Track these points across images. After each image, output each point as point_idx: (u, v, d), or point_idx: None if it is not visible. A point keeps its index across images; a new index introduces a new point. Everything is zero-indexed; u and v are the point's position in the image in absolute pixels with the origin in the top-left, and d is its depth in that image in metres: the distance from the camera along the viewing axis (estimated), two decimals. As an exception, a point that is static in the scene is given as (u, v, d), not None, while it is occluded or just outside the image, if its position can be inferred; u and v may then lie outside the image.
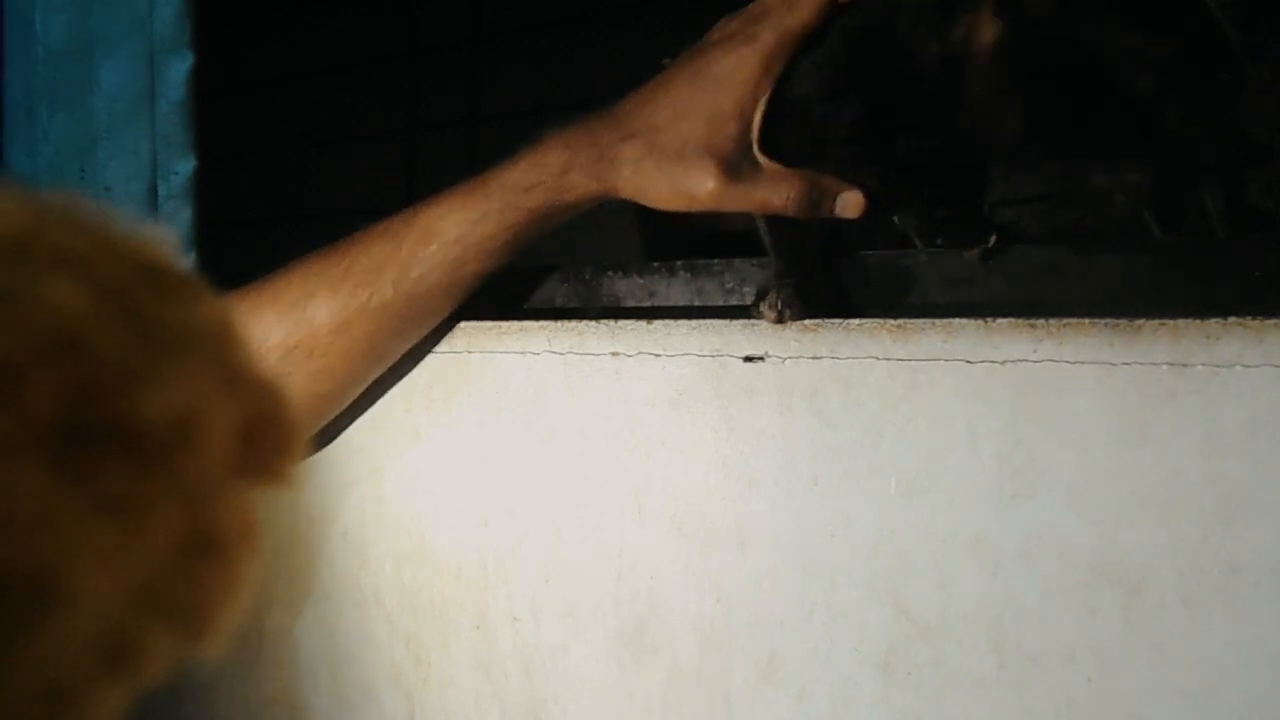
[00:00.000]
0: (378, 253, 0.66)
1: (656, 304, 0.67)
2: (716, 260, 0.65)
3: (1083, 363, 0.50)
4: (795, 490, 0.57)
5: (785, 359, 0.58)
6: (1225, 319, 0.47)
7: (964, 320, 0.53)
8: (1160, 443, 0.48)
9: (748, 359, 0.59)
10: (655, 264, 0.67)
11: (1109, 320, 0.49)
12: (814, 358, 0.57)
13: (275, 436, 0.22)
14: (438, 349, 0.72)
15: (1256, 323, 0.46)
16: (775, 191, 0.59)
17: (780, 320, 0.57)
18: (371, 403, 0.75)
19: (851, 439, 0.56)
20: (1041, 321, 0.51)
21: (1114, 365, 0.49)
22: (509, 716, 0.68)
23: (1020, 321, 0.52)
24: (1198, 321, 0.47)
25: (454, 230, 0.64)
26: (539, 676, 0.67)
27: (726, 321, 0.61)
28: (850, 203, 0.59)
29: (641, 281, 0.67)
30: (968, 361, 0.53)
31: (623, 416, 0.64)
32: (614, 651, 0.64)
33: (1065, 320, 0.50)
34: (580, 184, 0.62)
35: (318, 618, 0.79)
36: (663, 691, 0.62)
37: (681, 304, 0.66)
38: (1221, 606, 0.46)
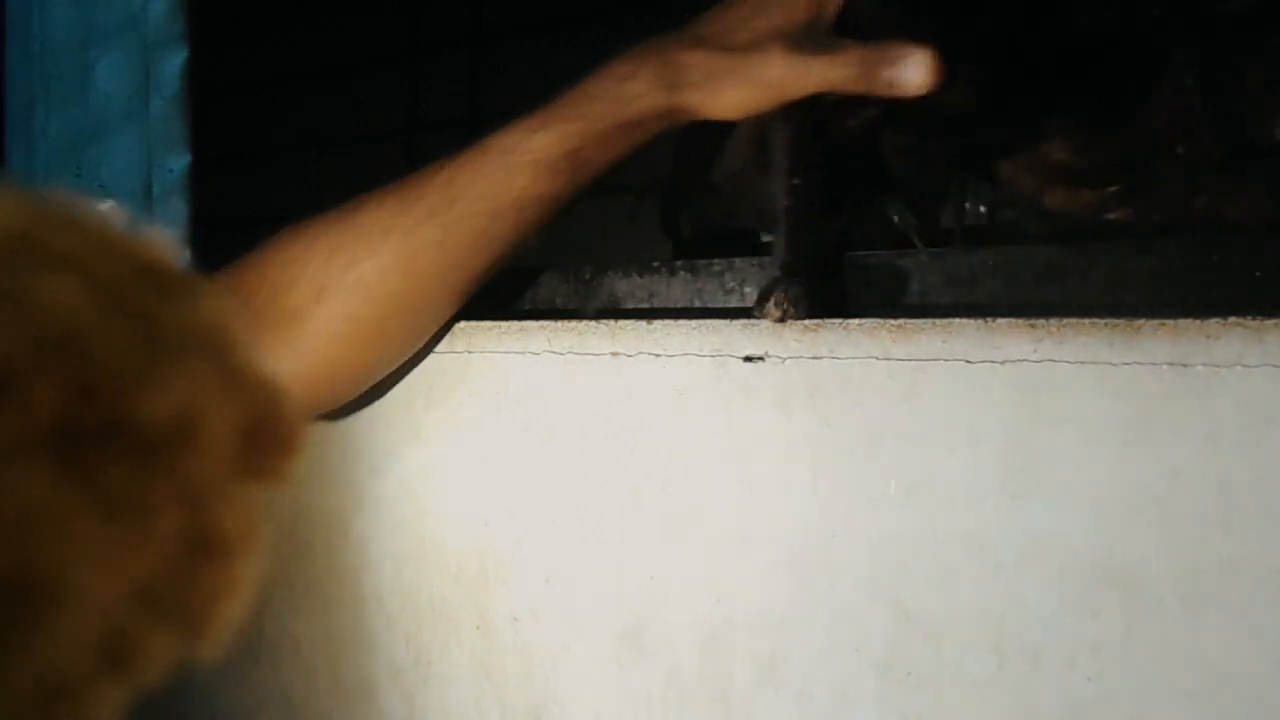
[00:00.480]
0: (433, 167, 0.63)
1: (656, 304, 0.67)
2: (716, 260, 0.65)
3: (1083, 363, 0.50)
4: (795, 490, 0.57)
5: (785, 359, 0.58)
6: (1225, 319, 0.47)
7: (964, 320, 0.53)
8: (1160, 443, 0.48)
9: (748, 359, 0.59)
10: (655, 264, 0.67)
11: (1109, 320, 0.49)
12: (814, 358, 0.57)
13: (275, 436, 0.22)
14: (438, 349, 0.72)
15: (1256, 323, 0.46)
16: (835, 64, 0.54)
17: (783, 319, 0.56)
18: (372, 403, 0.75)
19: (851, 439, 0.56)
20: (1041, 321, 0.51)
21: (1114, 365, 0.49)
22: (509, 716, 0.68)
23: (1020, 321, 0.52)
24: (1198, 321, 0.47)
25: (509, 140, 0.61)
26: (539, 676, 0.67)
27: (726, 321, 0.61)
28: (915, 65, 0.52)
29: (641, 281, 0.67)
30: (968, 361, 0.53)
31: (623, 416, 0.64)
32: (614, 651, 0.64)
33: (1065, 320, 0.50)
34: (644, 93, 0.59)
35: (318, 618, 0.79)
36: (663, 691, 0.62)
37: (681, 304, 0.66)
38: (1221, 606, 0.46)
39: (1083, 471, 0.49)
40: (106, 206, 0.22)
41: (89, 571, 0.18)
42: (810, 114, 0.57)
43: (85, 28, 0.86)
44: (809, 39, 0.56)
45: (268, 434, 0.22)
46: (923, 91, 0.52)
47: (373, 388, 0.73)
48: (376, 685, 0.75)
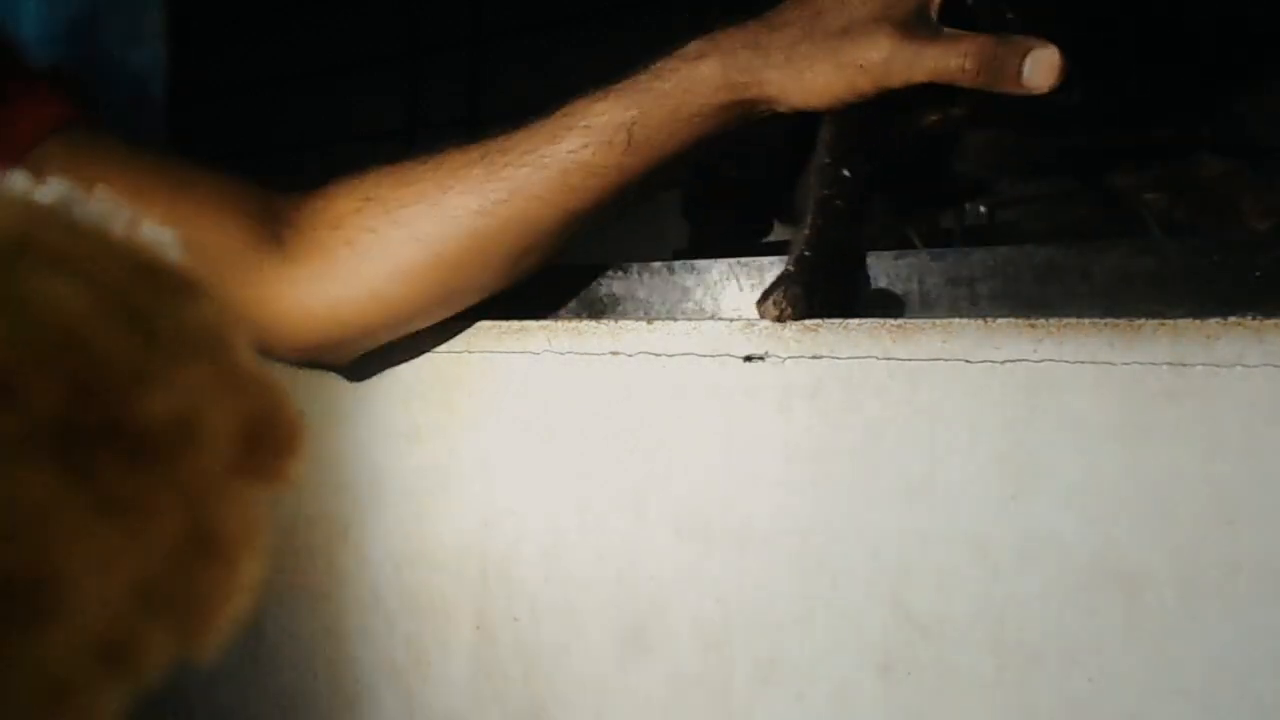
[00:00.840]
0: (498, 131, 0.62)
1: (656, 304, 0.67)
2: (716, 260, 0.65)
3: (1083, 363, 0.50)
4: (795, 490, 0.57)
5: (785, 359, 0.58)
6: (1225, 319, 0.47)
7: (964, 320, 0.53)
8: (1160, 443, 0.48)
9: (748, 359, 0.59)
10: (655, 264, 0.67)
11: (1109, 320, 0.49)
12: (814, 357, 0.57)
13: (275, 436, 0.22)
14: (438, 349, 0.72)
15: (1256, 323, 0.46)
16: (951, 53, 0.51)
17: (780, 319, 0.55)
18: (371, 402, 0.75)
19: (851, 439, 0.56)
20: (1041, 321, 0.51)
21: (1114, 365, 0.49)
22: (509, 716, 0.68)
23: (1020, 321, 0.52)
24: (1198, 321, 0.47)
25: (571, 108, 0.59)
26: (539, 676, 0.67)
27: (726, 321, 0.61)
28: (1044, 62, 0.49)
29: (641, 281, 0.67)
30: (968, 361, 0.53)
31: (623, 416, 0.64)
32: (614, 651, 0.64)
33: (1065, 320, 0.50)
34: (713, 76, 0.55)
35: (318, 618, 0.79)
36: (663, 691, 0.62)
37: (682, 304, 0.66)
38: (1221, 606, 0.46)
39: (1083, 471, 0.49)
40: (106, 206, 0.22)
41: (88, 572, 0.18)
42: (874, 104, 0.54)
43: (59, 21, 0.86)
44: (918, 23, 0.52)
45: (268, 434, 0.22)
46: (1045, 91, 0.49)
47: (371, 387, 0.73)
48: (376, 685, 0.75)
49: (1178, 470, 0.47)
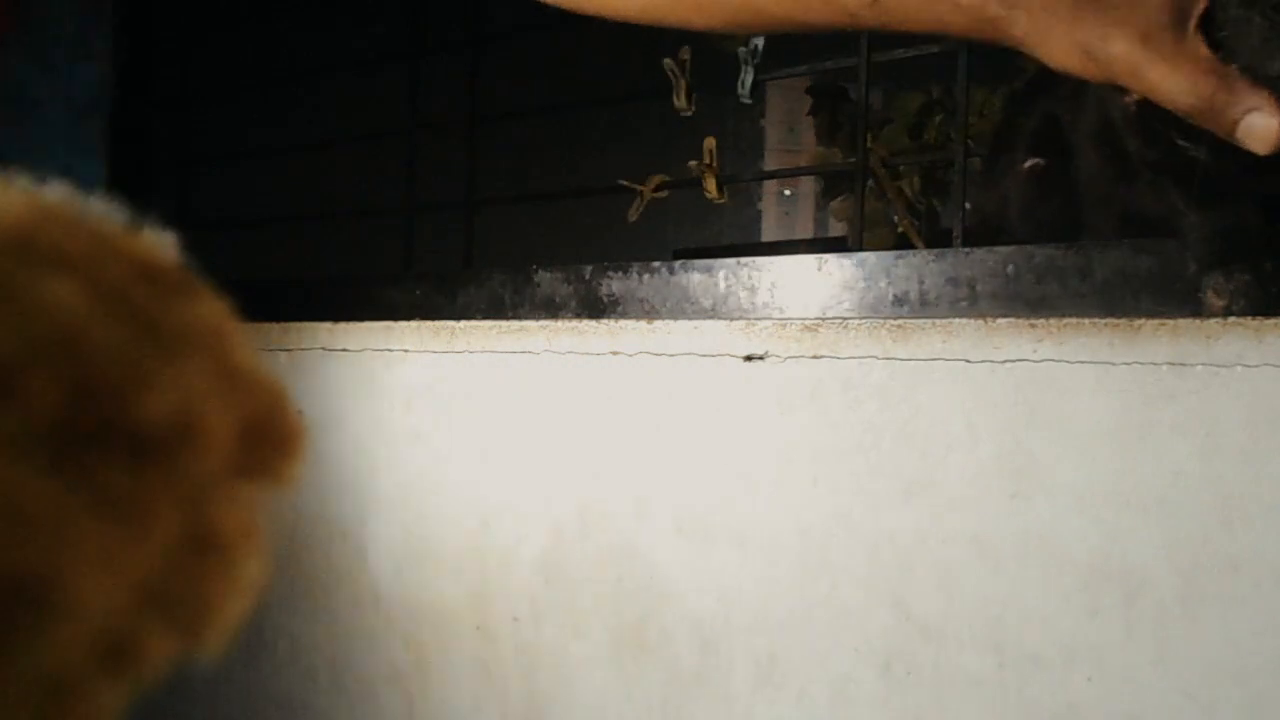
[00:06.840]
0: None
1: (656, 304, 0.67)
2: (716, 260, 0.65)
3: (1083, 363, 0.50)
4: (795, 490, 0.57)
5: (785, 359, 0.58)
6: (1225, 319, 0.47)
7: (964, 320, 0.53)
8: (1160, 443, 0.48)
9: (748, 358, 0.59)
10: (655, 264, 0.67)
11: (1109, 320, 0.49)
12: (814, 357, 0.57)
13: (275, 436, 0.22)
14: (437, 349, 0.72)
15: (1256, 322, 0.46)
16: (1173, 76, 0.47)
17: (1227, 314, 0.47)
18: (372, 402, 0.75)
19: (851, 439, 0.56)
20: (1041, 321, 0.51)
21: (1114, 365, 0.49)
22: (509, 716, 0.68)
23: (1020, 321, 0.52)
24: (1198, 321, 0.47)
25: None
26: (539, 676, 0.67)
27: (726, 321, 0.61)
28: (1257, 132, 0.45)
29: (641, 281, 0.67)
30: (968, 361, 0.53)
31: (623, 416, 0.64)
32: (614, 651, 0.64)
33: (1065, 320, 0.50)
34: (970, 4, 0.51)
35: (318, 618, 0.79)
36: (663, 691, 0.62)
37: (683, 302, 0.66)
38: (1221, 606, 0.46)
39: (1083, 471, 0.49)
40: (106, 206, 0.22)
41: (87, 572, 0.18)
42: None
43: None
44: (1167, 32, 0.48)
45: (268, 434, 0.22)
46: (1261, 154, 0.46)
47: (371, 387, 0.73)
48: (376, 685, 0.75)
49: (1178, 470, 0.47)
